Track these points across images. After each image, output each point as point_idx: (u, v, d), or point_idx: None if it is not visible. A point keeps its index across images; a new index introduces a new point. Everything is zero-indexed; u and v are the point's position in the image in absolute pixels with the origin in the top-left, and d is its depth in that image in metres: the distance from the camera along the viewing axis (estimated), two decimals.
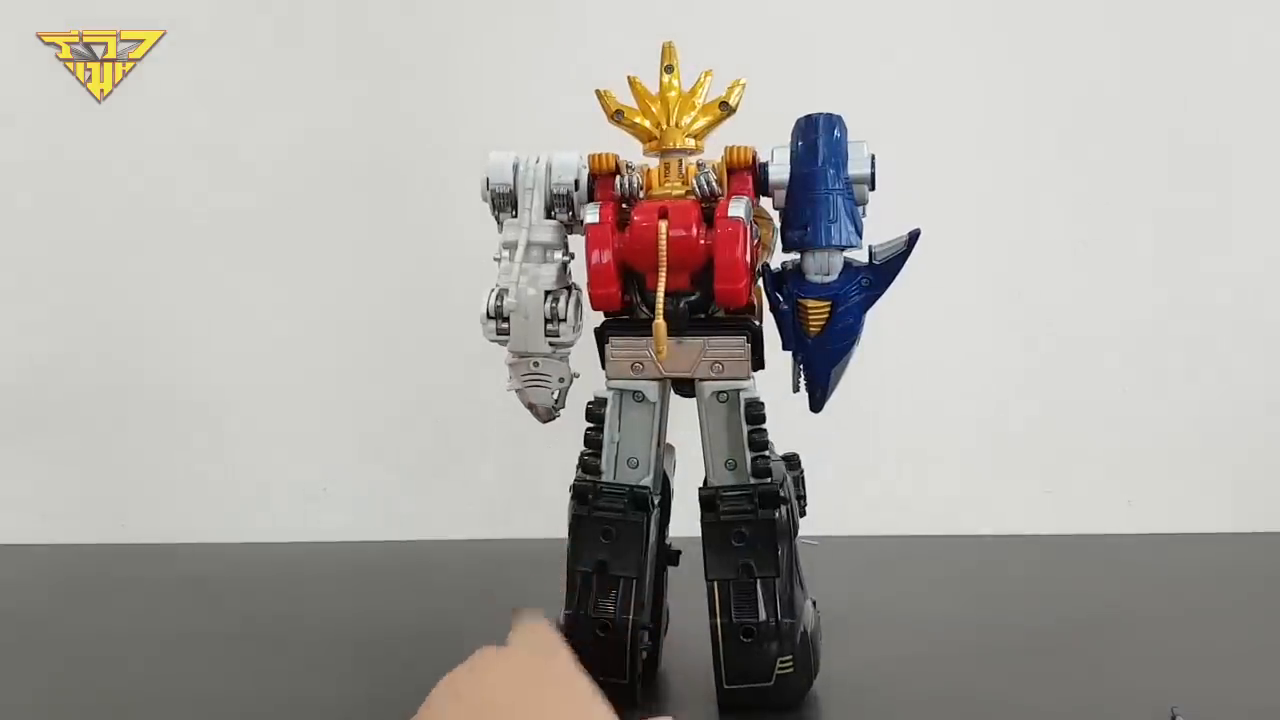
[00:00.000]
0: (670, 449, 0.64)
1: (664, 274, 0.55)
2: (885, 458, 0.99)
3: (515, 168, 0.60)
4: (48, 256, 1.01)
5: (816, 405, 0.59)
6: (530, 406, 0.61)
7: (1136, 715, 0.56)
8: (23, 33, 0.99)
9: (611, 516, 0.58)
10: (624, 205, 0.58)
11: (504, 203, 0.60)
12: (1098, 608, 0.76)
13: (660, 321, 0.54)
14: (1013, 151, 0.97)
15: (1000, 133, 0.97)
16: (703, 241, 0.56)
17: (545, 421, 0.62)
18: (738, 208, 0.56)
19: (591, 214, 0.57)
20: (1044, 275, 0.98)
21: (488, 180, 0.60)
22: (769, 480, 0.57)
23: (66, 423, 1.02)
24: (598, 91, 0.60)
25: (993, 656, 0.67)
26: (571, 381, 0.60)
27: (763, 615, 0.56)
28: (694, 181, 0.57)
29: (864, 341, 0.57)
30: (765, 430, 0.57)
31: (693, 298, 0.57)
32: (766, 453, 0.57)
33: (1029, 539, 0.96)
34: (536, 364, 0.59)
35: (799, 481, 0.63)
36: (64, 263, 1.01)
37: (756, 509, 0.57)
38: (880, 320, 0.58)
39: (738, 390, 0.57)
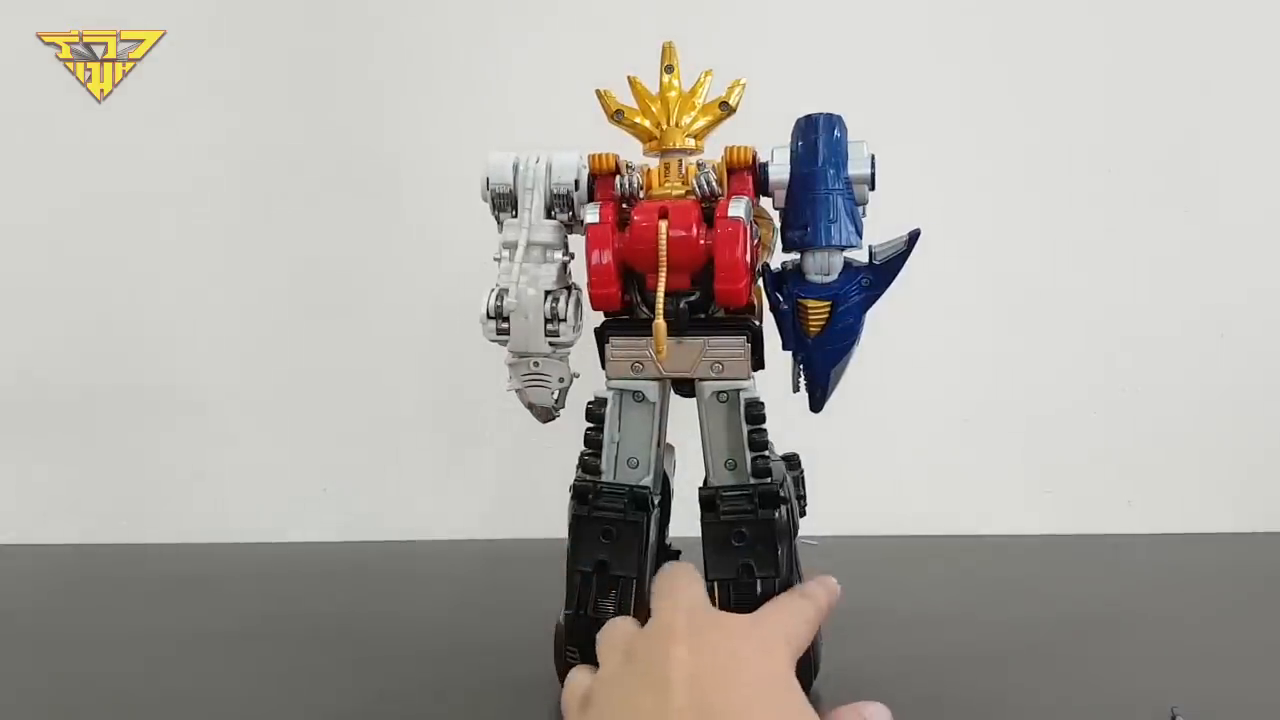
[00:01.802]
0: (670, 449, 0.63)
1: (664, 274, 0.55)
2: (885, 457, 0.99)
3: (515, 168, 0.59)
4: (47, 256, 1.01)
5: (816, 405, 0.60)
6: (530, 406, 0.61)
7: (1136, 715, 0.56)
8: (23, 33, 0.99)
9: (611, 516, 0.57)
10: (624, 205, 0.58)
11: (504, 203, 0.60)
12: (1098, 608, 0.76)
13: (660, 321, 0.54)
14: (1013, 151, 0.97)
15: (1001, 132, 0.97)
16: (703, 241, 0.56)
17: (545, 421, 0.62)
18: (738, 208, 0.55)
19: (591, 214, 0.57)
20: (1044, 276, 0.98)
21: (488, 180, 0.60)
22: (769, 480, 0.57)
23: (65, 422, 1.02)
24: (598, 91, 0.60)
25: (993, 656, 0.67)
26: (571, 381, 0.60)
27: None
28: (694, 181, 0.57)
29: (864, 341, 0.57)
30: (765, 430, 0.57)
31: (693, 298, 0.57)
32: (766, 453, 0.57)
33: (1029, 539, 0.96)
34: (536, 364, 0.59)
35: (799, 481, 0.63)
36: (63, 262, 1.01)
37: (756, 509, 0.57)
38: (880, 320, 0.58)
39: (738, 390, 0.57)
